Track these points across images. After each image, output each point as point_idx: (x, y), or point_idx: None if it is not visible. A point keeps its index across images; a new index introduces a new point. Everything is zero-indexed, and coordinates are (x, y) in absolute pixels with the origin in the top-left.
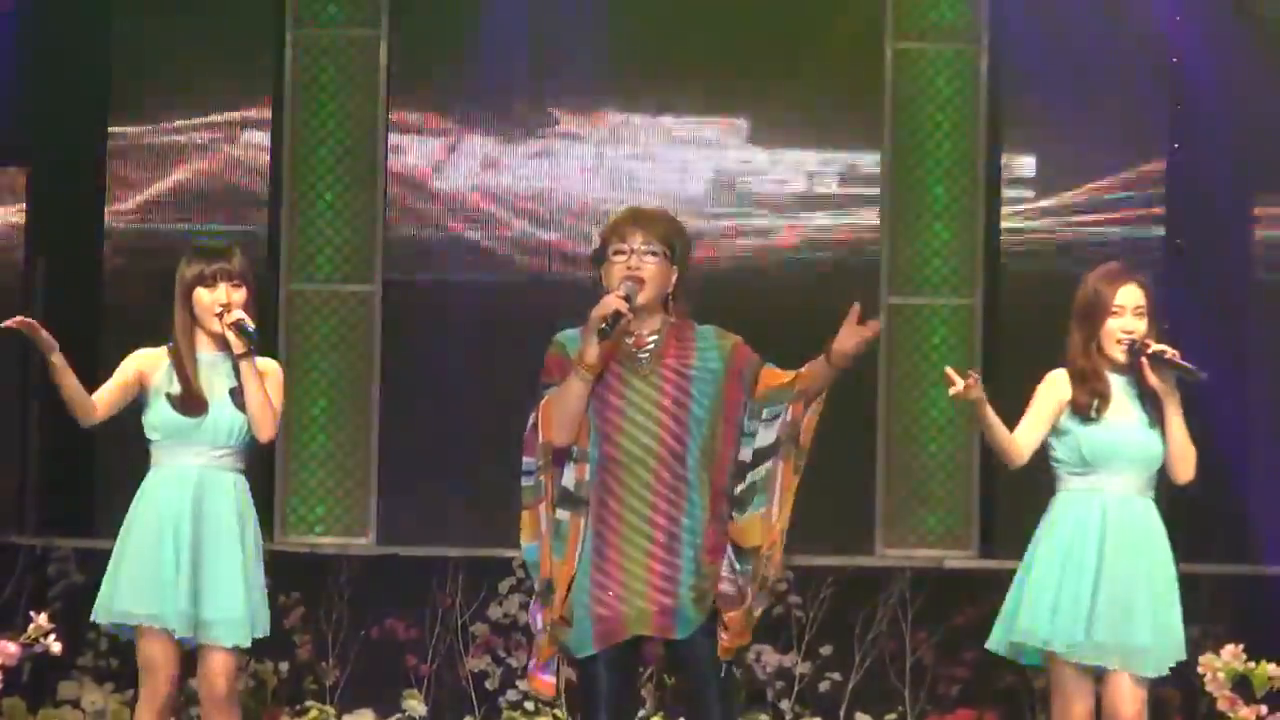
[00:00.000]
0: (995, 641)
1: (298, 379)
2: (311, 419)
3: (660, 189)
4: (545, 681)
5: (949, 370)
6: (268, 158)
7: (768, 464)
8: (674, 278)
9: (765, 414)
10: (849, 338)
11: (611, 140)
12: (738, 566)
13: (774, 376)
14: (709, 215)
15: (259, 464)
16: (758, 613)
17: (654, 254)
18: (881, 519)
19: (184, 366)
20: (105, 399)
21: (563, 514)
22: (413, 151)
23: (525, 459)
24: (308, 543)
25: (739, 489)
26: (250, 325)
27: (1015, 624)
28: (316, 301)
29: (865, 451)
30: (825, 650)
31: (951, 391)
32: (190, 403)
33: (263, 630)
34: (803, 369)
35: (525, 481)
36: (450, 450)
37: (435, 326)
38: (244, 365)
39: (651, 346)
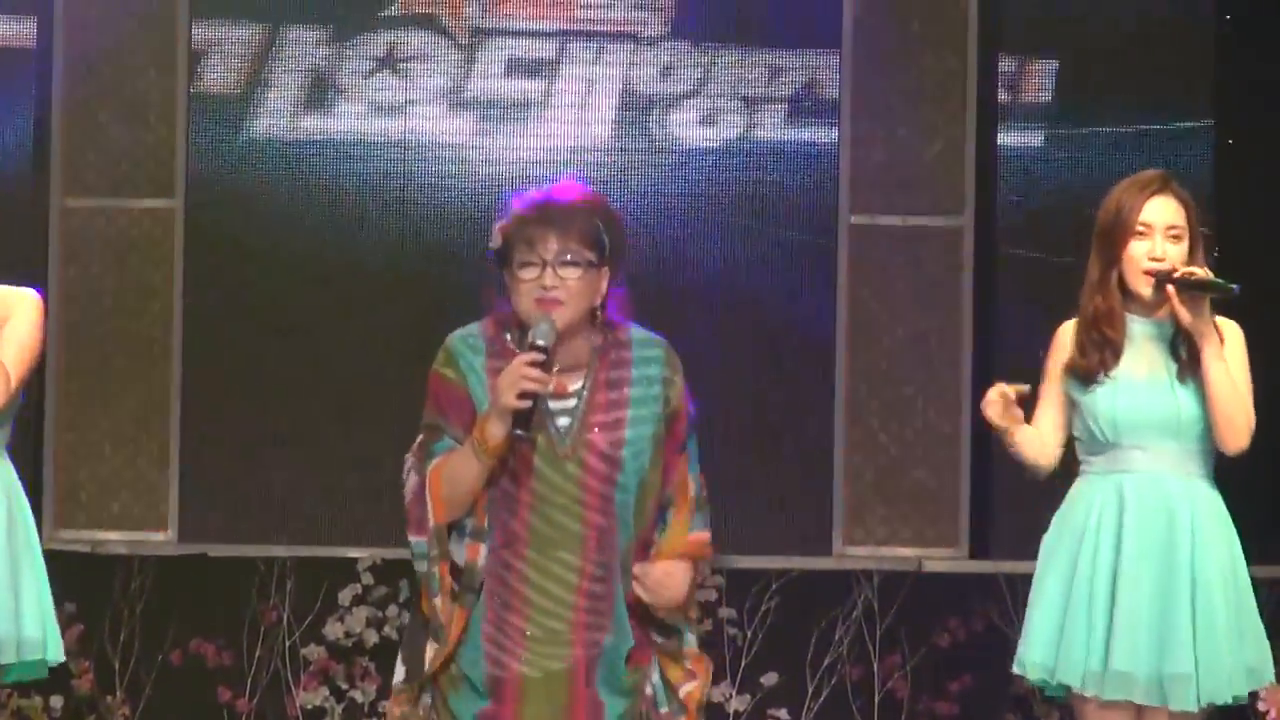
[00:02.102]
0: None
1: (75, 321)
2: (93, 375)
3: (556, 85)
4: None
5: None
6: (34, 43)
7: None
8: (604, 283)
9: None
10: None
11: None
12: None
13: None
14: (625, 123)
15: (23, 438)
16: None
17: (575, 265)
18: (842, 507)
19: None
20: None
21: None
22: (225, 33)
23: (414, 538)
24: (88, 539)
25: None
26: None
27: (1018, 653)
28: (99, 221)
29: (820, 416)
30: (768, 680)
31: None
32: None
33: (55, 654)
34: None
35: (418, 566)
36: (276, 420)
37: (258, 256)
38: None
39: (575, 402)
